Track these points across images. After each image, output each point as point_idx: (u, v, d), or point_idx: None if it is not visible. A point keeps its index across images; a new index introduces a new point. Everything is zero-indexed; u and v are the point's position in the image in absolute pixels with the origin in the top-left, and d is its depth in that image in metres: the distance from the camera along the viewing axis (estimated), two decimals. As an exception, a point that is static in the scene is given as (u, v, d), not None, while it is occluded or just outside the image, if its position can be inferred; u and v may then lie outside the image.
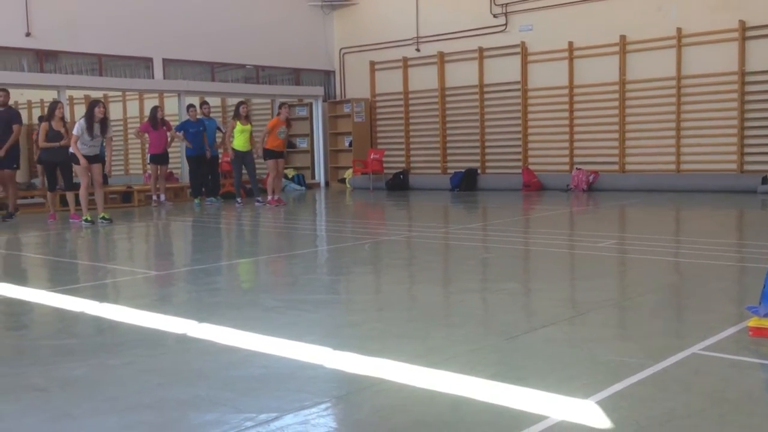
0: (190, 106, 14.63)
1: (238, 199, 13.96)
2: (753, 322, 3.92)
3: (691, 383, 3.24)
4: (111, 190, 14.14)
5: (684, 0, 13.97)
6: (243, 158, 13.79)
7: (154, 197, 14.14)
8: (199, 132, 14.29)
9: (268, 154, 13.34)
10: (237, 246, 9.40)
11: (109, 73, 15.70)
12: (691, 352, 3.63)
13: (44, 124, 11.16)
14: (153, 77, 16.29)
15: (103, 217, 10.77)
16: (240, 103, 14.10)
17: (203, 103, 15.06)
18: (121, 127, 19.42)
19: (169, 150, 14.49)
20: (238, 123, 13.67)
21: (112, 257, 8.33)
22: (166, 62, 16.43)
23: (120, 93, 18.46)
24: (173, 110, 16.58)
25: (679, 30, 14.00)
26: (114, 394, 3.31)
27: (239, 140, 13.64)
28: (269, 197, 13.41)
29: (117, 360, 3.86)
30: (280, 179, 13.96)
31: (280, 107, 13.96)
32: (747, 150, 13.61)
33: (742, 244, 7.88)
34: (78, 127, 10.52)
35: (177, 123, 15.05)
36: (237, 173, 14.08)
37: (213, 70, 17.49)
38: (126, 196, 14.54)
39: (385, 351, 3.82)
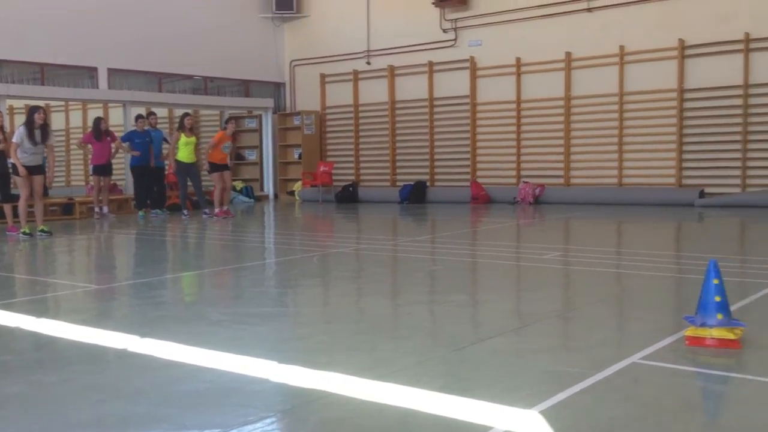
0: (139, 116, 14.43)
1: (185, 212, 13.76)
2: (690, 331, 4.03)
3: (632, 392, 3.30)
4: (51, 201, 13.78)
5: (626, 19, 14.36)
6: (188, 170, 13.63)
7: (97, 209, 13.83)
8: (145, 143, 14.10)
9: (212, 167, 13.30)
10: (182, 259, 9.26)
11: (52, 82, 15.34)
12: (632, 362, 3.70)
13: (-19, 134, 10.82)
14: (97, 87, 15.97)
15: (42, 230, 10.47)
16: (185, 115, 13.96)
17: (150, 114, 14.85)
18: (64, 138, 18.99)
19: (113, 161, 14.21)
20: (182, 135, 13.51)
21: (51, 271, 8.10)
22: (111, 72, 16.14)
23: (63, 103, 18.06)
24: (119, 121, 16.29)
25: (621, 48, 14.38)
26: (51, 412, 3.22)
27: (183, 152, 13.48)
28: (216, 209, 13.27)
29: (54, 377, 3.75)
30: (227, 191, 13.83)
31: (227, 121, 13.86)
32: (685, 165, 14.03)
33: (680, 256, 8.10)
34: (18, 135, 10.24)
35: (122, 134, 14.79)
36: (182, 185, 13.89)
37: (160, 80, 17.24)
38: (67, 208, 14.18)
39: (332, 364, 3.80)
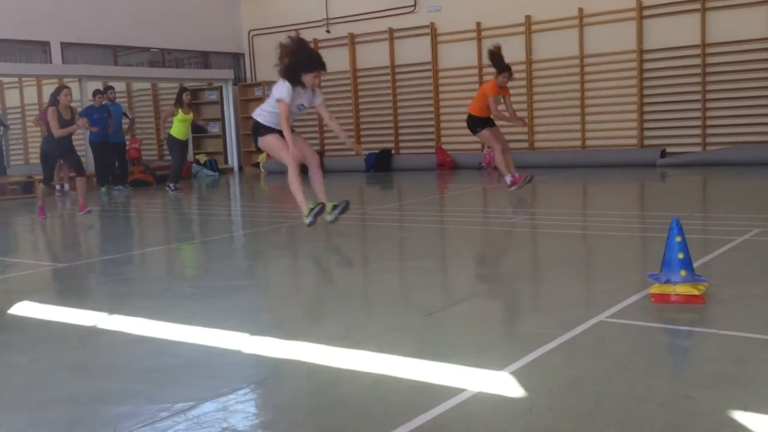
0: (97, 91, 14.10)
1: (171, 185, 13.10)
2: (655, 288, 4.11)
3: (599, 349, 3.36)
4: (10, 180, 13.48)
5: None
6: (182, 148, 13.16)
7: (58, 187, 13.56)
8: (103, 118, 13.80)
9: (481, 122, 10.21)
10: (149, 234, 9.14)
11: (3, 58, 14.90)
12: (599, 320, 3.77)
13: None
14: (51, 62, 15.55)
15: None
16: (182, 90, 13.24)
17: (108, 88, 14.54)
18: (19, 115, 18.53)
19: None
20: (180, 111, 12.81)
21: (13, 250, 7.94)
22: (65, 46, 15.72)
23: (16, 79, 17.60)
24: (75, 96, 15.89)
25: (580, 10, 14.39)
26: (20, 392, 3.18)
27: (179, 129, 12.81)
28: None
29: (23, 357, 3.69)
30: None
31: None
32: (646, 125, 14.19)
33: (644, 216, 8.23)
34: None
35: (79, 109, 14.46)
36: (178, 159, 13.16)
37: (116, 53, 16.84)
38: (27, 186, 13.89)
39: (304, 333, 3.80)
